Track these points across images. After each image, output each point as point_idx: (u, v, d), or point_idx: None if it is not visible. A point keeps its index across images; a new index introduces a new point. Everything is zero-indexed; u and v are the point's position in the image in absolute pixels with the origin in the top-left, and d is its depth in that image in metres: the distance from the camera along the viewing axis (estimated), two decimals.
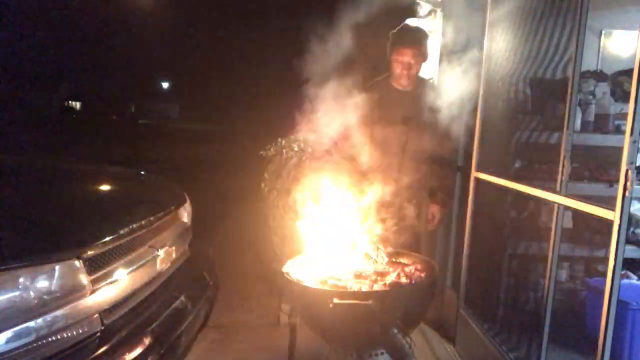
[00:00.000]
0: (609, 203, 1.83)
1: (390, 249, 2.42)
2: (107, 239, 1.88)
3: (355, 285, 2.05)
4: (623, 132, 1.79)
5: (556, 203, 2.26)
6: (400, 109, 2.70)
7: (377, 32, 2.75)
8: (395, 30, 2.71)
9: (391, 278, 2.09)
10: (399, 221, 2.56)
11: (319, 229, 2.32)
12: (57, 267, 1.63)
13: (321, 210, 2.38)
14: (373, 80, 2.90)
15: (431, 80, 2.98)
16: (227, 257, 4.58)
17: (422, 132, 2.65)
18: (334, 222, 2.35)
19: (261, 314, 3.74)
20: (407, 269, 2.19)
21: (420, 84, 2.75)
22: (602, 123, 2.80)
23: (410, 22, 3.01)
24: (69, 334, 1.65)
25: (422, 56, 2.68)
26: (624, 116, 2.64)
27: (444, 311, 3.52)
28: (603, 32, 3.34)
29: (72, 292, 1.66)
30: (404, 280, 2.08)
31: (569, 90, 2.21)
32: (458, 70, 2.84)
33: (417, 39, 2.67)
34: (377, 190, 2.61)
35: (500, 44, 3.01)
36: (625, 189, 1.71)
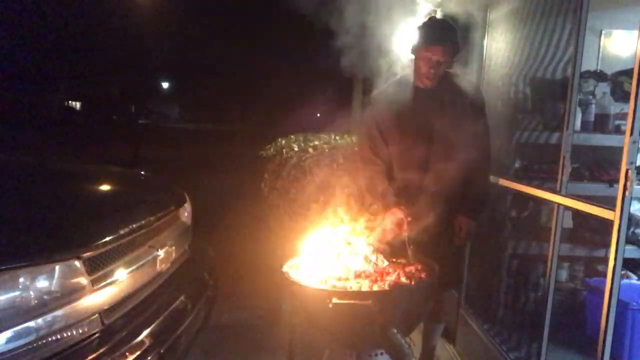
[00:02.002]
0: (609, 203, 1.83)
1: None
2: (107, 239, 1.87)
3: (355, 285, 2.05)
4: (623, 132, 1.79)
5: (556, 203, 2.27)
6: (428, 109, 2.44)
7: (379, 32, 2.71)
8: (422, 24, 2.47)
9: (391, 278, 2.08)
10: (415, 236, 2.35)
11: (324, 236, 2.31)
12: (57, 267, 1.63)
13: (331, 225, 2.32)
14: (390, 80, 2.66)
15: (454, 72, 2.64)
16: (227, 257, 4.57)
17: (451, 135, 2.41)
18: (341, 235, 2.32)
19: (261, 314, 3.74)
20: (407, 269, 2.18)
21: (445, 78, 2.49)
22: (602, 123, 2.80)
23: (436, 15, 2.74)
24: (69, 334, 1.65)
25: (453, 53, 2.44)
26: (624, 116, 2.65)
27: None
28: (603, 32, 3.33)
29: (72, 292, 1.66)
30: (403, 280, 2.08)
31: (569, 90, 2.21)
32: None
33: (448, 34, 2.42)
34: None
35: (500, 44, 3.01)
36: (625, 189, 1.71)
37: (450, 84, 2.51)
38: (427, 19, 2.54)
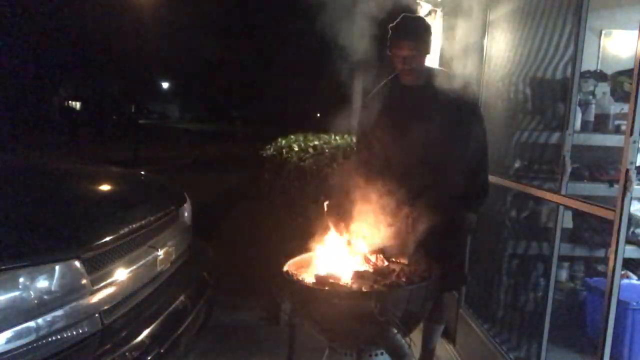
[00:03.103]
0: (609, 203, 1.83)
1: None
2: (107, 239, 1.88)
3: (355, 285, 2.05)
4: (623, 132, 1.79)
5: (556, 203, 2.26)
6: (413, 107, 2.49)
7: (378, 33, 2.71)
8: (393, 24, 2.53)
9: (391, 278, 2.08)
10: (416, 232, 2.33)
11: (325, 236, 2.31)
12: (57, 267, 1.63)
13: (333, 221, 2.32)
14: (384, 80, 2.70)
15: (446, 70, 2.69)
16: (227, 257, 4.57)
17: (443, 129, 2.44)
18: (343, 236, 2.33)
19: (261, 314, 3.74)
20: (407, 269, 2.18)
21: (433, 76, 2.55)
22: (602, 123, 2.80)
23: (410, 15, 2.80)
24: (69, 334, 1.65)
25: (421, 48, 2.48)
26: (624, 116, 2.64)
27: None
28: (603, 32, 3.33)
29: (72, 292, 1.66)
30: (404, 280, 2.08)
31: (569, 90, 2.21)
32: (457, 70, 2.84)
33: (413, 30, 2.48)
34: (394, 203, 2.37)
35: (500, 44, 3.01)
36: (625, 189, 1.71)
37: (439, 81, 2.53)
38: (398, 18, 2.56)
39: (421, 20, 2.61)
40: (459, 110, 2.48)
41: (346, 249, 2.30)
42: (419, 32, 2.50)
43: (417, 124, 2.45)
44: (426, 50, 2.53)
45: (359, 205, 2.38)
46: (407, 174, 2.49)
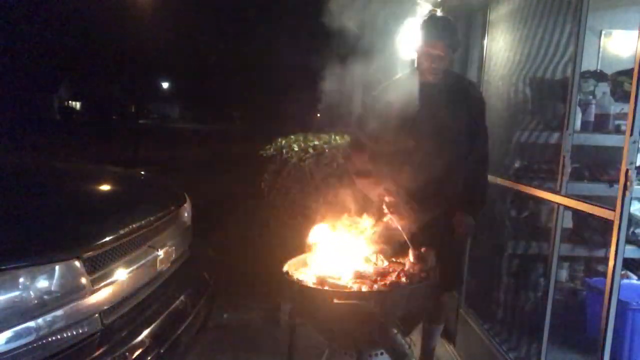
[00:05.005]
0: (609, 203, 1.83)
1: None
2: (107, 239, 1.88)
3: (355, 285, 2.05)
4: (623, 132, 1.79)
5: (556, 203, 2.26)
6: (432, 104, 2.50)
7: (378, 32, 2.71)
8: (423, 22, 2.56)
9: (391, 278, 2.08)
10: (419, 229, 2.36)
11: (325, 232, 2.31)
12: (57, 267, 1.63)
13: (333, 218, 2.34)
14: (397, 76, 2.71)
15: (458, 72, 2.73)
16: (227, 257, 4.57)
17: (454, 130, 2.49)
18: (343, 231, 2.33)
19: (261, 314, 3.74)
20: (407, 269, 2.18)
21: (448, 76, 2.58)
22: (602, 123, 2.80)
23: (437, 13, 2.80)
24: (69, 334, 1.65)
25: (452, 49, 2.52)
26: (624, 116, 2.64)
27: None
28: (603, 32, 3.33)
29: (72, 292, 1.66)
30: (404, 280, 2.08)
31: (569, 90, 2.21)
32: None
33: (448, 30, 2.51)
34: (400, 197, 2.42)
35: (500, 44, 3.01)
36: (625, 189, 1.71)
37: (454, 82, 2.57)
38: (426, 17, 2.57)
39: (452, 21, 2.63)
40: (469, 113, 2.52)
41: (346, 249, 2.29)
42: (451, 31, 2.53)
43: (434, 122, 2.47)
44: (456, 49, 2.57)
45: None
46: (413, 172, 2.50)
